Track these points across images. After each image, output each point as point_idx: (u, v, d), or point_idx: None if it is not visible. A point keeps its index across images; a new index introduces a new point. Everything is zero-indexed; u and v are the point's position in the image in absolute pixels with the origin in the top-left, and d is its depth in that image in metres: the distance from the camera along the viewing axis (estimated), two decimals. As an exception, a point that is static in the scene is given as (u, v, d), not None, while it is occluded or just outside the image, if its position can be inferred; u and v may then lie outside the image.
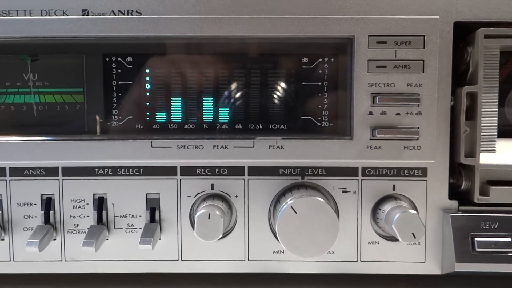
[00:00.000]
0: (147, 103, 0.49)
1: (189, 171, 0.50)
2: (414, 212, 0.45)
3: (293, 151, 0.48)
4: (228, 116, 0.49)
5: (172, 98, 0.49)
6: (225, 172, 0.50)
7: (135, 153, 0.49)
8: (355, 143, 0.48)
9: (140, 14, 0.49)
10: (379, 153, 0.48)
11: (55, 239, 0.50)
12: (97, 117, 0.49)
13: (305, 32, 0.47)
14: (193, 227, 0.50)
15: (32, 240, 0.47)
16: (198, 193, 0.50)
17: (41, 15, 0.49)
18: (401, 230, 0.45)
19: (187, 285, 0.51)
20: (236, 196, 0.50)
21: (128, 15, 0.49)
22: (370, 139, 0.48)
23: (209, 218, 0.46)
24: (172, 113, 0.49)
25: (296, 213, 0.45)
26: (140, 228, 0.50)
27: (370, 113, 0.47)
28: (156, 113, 0.49)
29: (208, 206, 0.47)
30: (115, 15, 0.49)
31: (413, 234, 0.45)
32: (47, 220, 0.50)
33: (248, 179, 0.50)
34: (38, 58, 0.50)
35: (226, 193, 0.50)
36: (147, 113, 0.49)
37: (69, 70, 0.50)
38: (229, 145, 0.48)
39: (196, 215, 0.46)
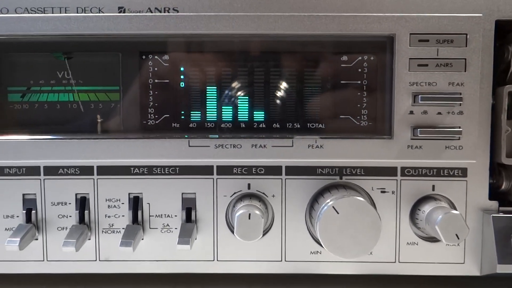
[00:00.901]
0: (184, 102, 0.49)
1: (225, 170, 0.49)
2: (458, 213, 0.45)
3: (332, 150, 0.48)
4: (266, 115, 0.49)
5: (208, 97, 0.49)
6: (262, 172, 0.49)
7: (172, 152, 0.48)
8: (396, 143, 0.47)
9: (177, 11, 0.48)
10: (419, 153, 0.47)
11: (89, 239, 0.50)
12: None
13: (345, 30, 0.47)
14: (229, 227, 0.50)
15: (69, 240, 0.47)
16: (235, 193, 0.49)
17: (77, 13, 0.49)
18: (444, 231, 0.44)
19: (222, 285, 0.51)
20: (273, 196, 0.49)
21: (165, 12, 0.48)
22: (411, 139, 0.47)
23: (249, 218, 0.45)
24: (208, 112, 0.49)
25: (338, 213, 0.44)
26: (176, 228, 0.50)
27: (411, 112, 0.47)
28: (193, 112, 0.49)
29: (247, 206, 0.47)
30: (151, 12, 0.49)
31: (456, 235, 0.44)
32: (81, 219, 0.50)
33: (286, 178, 0.49)
34: (72, 56, 0.49)
35: (263, 193, 0.49)
36: (184, 112, 0.49)
37: (104, 68, 0.49)
38: (267, 145, 0.48)
39: (236, 215, 0.45)
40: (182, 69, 0.49)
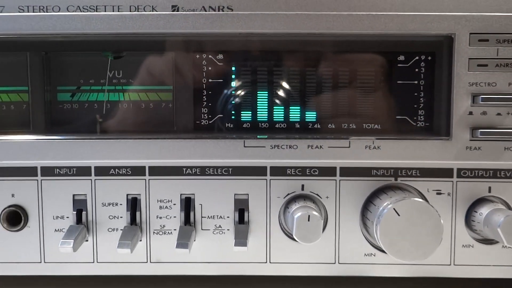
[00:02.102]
0: (237, 102, 0.48)
1: (279, 171, 0.49)
2: (521, 215, 0.44)
3: (388, 151, 0.47)
4: (321, 116, 0.48)
5: (262, 97, 0.48)
6: (316, 173, 0.49)
7: (227, 153, 0.47)
8: (454, 144, 0.47)
9: (232, 10, 0.48)
10: (478, 154, 0.47)
11: (140, 240, 0.49)
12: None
13: (404, 29, 0.46)
14: (282, 229, 0.49)
15: (124, 241, 0.46)
16: (288, 194, 0.49)
17: (130, 11, 0.48)
18: (507, 233, 0.44)
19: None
20: (327, 197, 0.49)
21: (219, 11, 0.48)
22: (470, 140, 0.46)
23: (308, 220, 0.44)
24: (262, 112, 0.48)
25: (399, 215, 0.44)
26: (228, 230, 0.49)
27: (470, 113, 0.46)
28: (247, 112, 0.48)
29: (304, 207, 0.46)
30: (205, 11, 0.48)
31: (519, 237, 0.44)
32: (133, 220, 0.49)
33: (340, 180, 0.49)
34: (122, 55, 0.49)
35: (317, 194, 0.49)
36: (238, 112, 0.48)
37: (156, 68, 0.49)
38: (324, 145, 0.47)
39: (295, 217, 0.45)
40: (235, 68, 0.48)
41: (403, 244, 0.44)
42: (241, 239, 0.46)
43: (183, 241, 0.46)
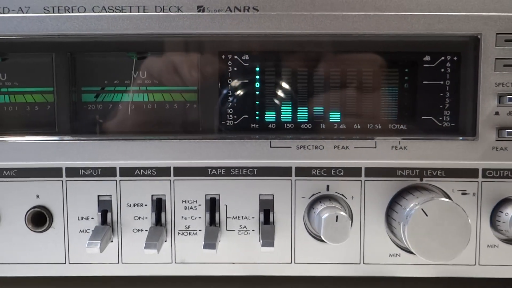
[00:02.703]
0: (263, 102, 0.48)
1: (304, 171, 0.49)
2: (550, 215, 0.44)
3: (414, 152, 0.47)
4: (346, 116, 0.48)
5: (288, 98, 0.48)
6: (341, 173, 0.49)
7: (253, 153, 0.47)
8: (480, 144, 0.47)
9: (257, 10, 0.48)
10: (504, 154, 0.47)
11: (165, 241, 0.49)
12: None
13: (430, 30, 0.46)
14: (307, 229, 0.49)
15: (151, 242, 0.46)
16: (313, 194, 0.49)
17: (155, 12, 0.48)
18: (535, 233, 0.44)
19: (299, 288, 0.50)
20: (352, 198, 0.49)
21: (244, 11, 0.48)
22: (496, 140, 0.46)
23: (337, 220, 0.44)
24: (288, 113, 0.48)
25: (427, 216, 0.44)
26: (253, 230, 0.49)
27: (497, 113, 0.46)
28: (272, 113, 0.48)
29: (331, 208, 0.46)
30: (231, 11, 0.48)
31: (547, 238, 0.44)
32: (158, 221, 0.49)
33: (365, 180, 0.49)
34: (146, 56, 0.49)
35: (342, 195, 0.49)
36: (263, 113, 0.48)
37: (180, 68, 0.49)
38: (350, 146, 0.47)
39: (323, 217, 0.45)
40: (261, 69, 0.48)
41: (431, 245, 0.44)
42: (268, 239, 0.46)
43: (210, 241, 0.46)
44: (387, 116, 0.48)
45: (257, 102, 0.48)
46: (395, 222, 0.47)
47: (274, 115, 0.48)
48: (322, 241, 0.49)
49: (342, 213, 0.45)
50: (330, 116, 0.48)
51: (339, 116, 0.48)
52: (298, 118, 0.48)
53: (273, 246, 0.46)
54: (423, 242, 0.44)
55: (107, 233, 0.48)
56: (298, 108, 0.48)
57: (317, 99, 0.48)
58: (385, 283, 0.51)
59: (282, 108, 0.48)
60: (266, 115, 0.48)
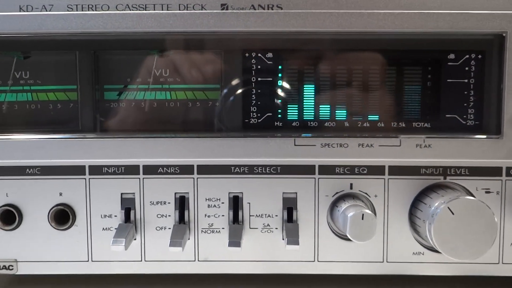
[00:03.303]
0: (287, 100, 0.48)
1: (327, 170, 0.49)
2: None
3: (439, 150, 0.47)
4: (370, 114, 0.48)
5: (312, 96, 0.48)
6: (365, 172, 0.49)
7: (278, 151, 0.47)
8: (506, 142, 0.46)
9: (281, 8, 0.48)
10: (529, 153, 0.47)
11: (189, 239, 0.49)
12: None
13: (454, 28, 0.46)
14: (330, 227, 0.49)
15: (176, 240, 0.46)
16: (337, 193, 0.49)
17: (179, 10, 0.48)
18: (561, 232, 0.44)
19: (322, 287, 0.50)
20: (375, 196, 0.49)
21: (268, 9, 0.48)
22: (521, 138, 0.46)
23: (362, 219, 0.44)
24: (312, 111, 0.48)
25: (453, 214, 0.44)
26: (276, 228, 0.49)
27: (522, 111, 0.46)
28: (296, 111, 0.48)
29: (356, 206, 0.46)
30: (255, 9, 0.48)
31: None
32: (181, 219, 0.49)
33: (388, 178, 0.49)
34: (168, 54, 0.49)
35: (365, 193, 0.49)
36: (286, 111, 0.48)
37: (203, 66, 0.48)
38: (374, 144, 0.47)
39: (349, 215, 0.45)
40: (285, 67, 0.48)
41: (457, 243, 0.44)
42: (293, 237, 0.46)
43: (235, 239, 0.46)
44: (411, 115, 0.48)
45: (280, 100, 0.48)
46: (420, 220, 0.47)
47: (298, 114, 0.48)
48: (345, 239, 0.49)
49: (368, 211, 0.45)
50: (353, 114, 0.48)
51: (362, 114, 0.48)
52: (322, 116, 0.48)
53: (298, 244, 0.46)
54: (449, 240, 0.44)
55: (131, 231, 0.48)
56: (322, 106, 0.48)
57: (340, 97, 0.48)
58: (409, 281, 0.51)
59: (305, 106, 0.48)
60: (289, 113, 0.48)
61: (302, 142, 0.47)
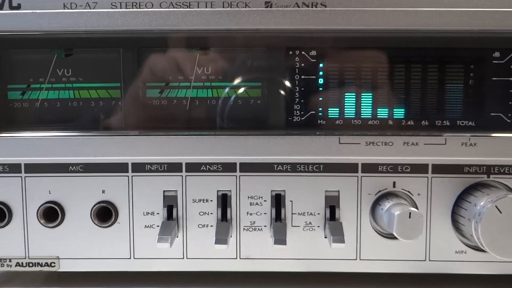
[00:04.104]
0: (330, 99, 0.48)
1: (371, 168, 0.48)
2: None
3: (483, 148, 0.47)
4: (414, 112, 0.48)
5: (355, 94, 0.48)
6: (408, 170, 0.48)
7: (322, 149, 0.47)
8: (551, 141, 0.46)
9: (325, 6, 0.48)
10: None
11: (231, 236, 0.49)
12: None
13: (500, 25, 0.46)
14: (372, 226, 0.49)
15: (221, 237, 0.46)
16: (379, 191, 0.49)
17: (223, 7, 0.48)
18: None
19: (364, 285, 0.50)
20: (418, 195, 0.49)
21: (312, 7, 0.48)
22: None
23: (410, 217, 0.44)
24: (355, 109, 0.48)
25: (500, 212, 0.44)
26: (318, 226, 0.49)
27: None
28: (339, 109, 0.48)
29: (401, 204, 0.46)
30: (299, 7, 0.48)
31: None
32: (223, 217, 0.49)
33: (432, 177, 0.48)
34: (208, 52, 0.49)
35: (408, 191, 0.49)
36: (330, 109, 0.48)
37: (247, 64, 0.49)
38: (419, 142, 0.47)
39: (396, 214, 0.44)
40: (329, 65, 0.48)
41: (504, 242, 0.44)
42: (338, 236, 0.46)
43: (281, 237, 0.46)
44: (455, 113, 0.48)
45: (324, 99, 0.48)
46: (464, 219, 0.47)
47: (341, 112, 0.48)
48: (387, 237, 0.49)
49: (415, 209, 0.44)
50: (397, 112, 0.48)
51: (406, 112, 0.48)
52: (365, 114, 0.48)
53: (343, 242, 0.46)
54: (496, 239, 0.44)
55: (174, 228, 0.48)
56: (364, 104, 0.48)
57: (383, 95, 0.48)
58: (450, 280, 0.50)
59: (348, 104, 0.48)
60: (332, 111, 0.48)
61: (347, 140, 0.47)
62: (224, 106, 0.49)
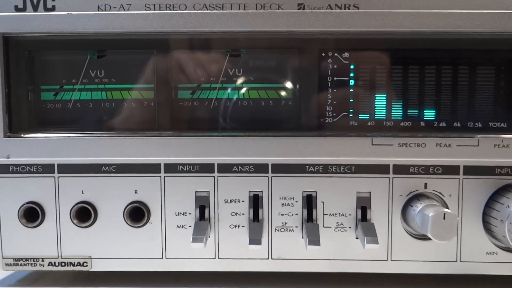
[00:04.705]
0: (362, 100, 0.48)
1: (402, 169, 0.49)
2: None
3: (515, 150, 0.47)
4: (446, 114, 0.48)
5: (387, 96, 0.48)
6: (439, 171, 0.49)
7: (354, 150, 0.48)
8: None
9: (358, 8, 0.48)
10: None
11: (263, 237, 0.49)
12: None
13: (533, 27, 0.46)
14: (403, 227, 0.49)
15: (255, 238, 0.46)
16: (411, 192, 0.49)
17: (256, 9, 0.48)
18: None
19: (395, 285, 0.50)
20: (449, 196, 0.49)
21: (345, 9, 0.48)
22: None
23: (444, 218, 0.44)
24: (387, 111, 0.48)
25: (535, 214, 0.44)
26: (350, 227, 0.49)
27: None
28: (372, 110, 0.48)
29: (434, 205, 0.46)
30: (331, 9, 0.48)
31: None
32: (255, 217, 0.49)
33: (463, 178, 0.49)
34: (240, 53, 0.49)
35: (440, 193, 0.49)
36: (362, 110, 0.48)
37: (280, 65, 0.49)
38: (452, 144, 0.47)
39: (430, 215, 0.45)
40: (361, 67, 0.48)
41: (536, 243, 0.44)
42: (371, 236, 0.46)
43: (314, 238, 0.46)
44: (487, 114, 0.48)
45: (356, 100, 0.48)
46: (496, 220, 0.47)
47: (373, 113, 0.48)
48: (418, 238, 0.49)
49: (449, 211, 0.45)
50: (429, 114, 0.48)
51: (438, 114, 0.48)
52: (397, 116, 0.48)
53: (377, 243, 0.46)
54: (528, 240, 0.44)
55: (207, 228, 0.48)
56: (396, 106, 0.48)
57: (415, 97, 0.48)
58: (481, 281, 0.51)
59: (380, 106, 0.48)
60: (364, 113, 0.48)
61: (380, 142, 0.47)
62: (255, 107, 0.49)
